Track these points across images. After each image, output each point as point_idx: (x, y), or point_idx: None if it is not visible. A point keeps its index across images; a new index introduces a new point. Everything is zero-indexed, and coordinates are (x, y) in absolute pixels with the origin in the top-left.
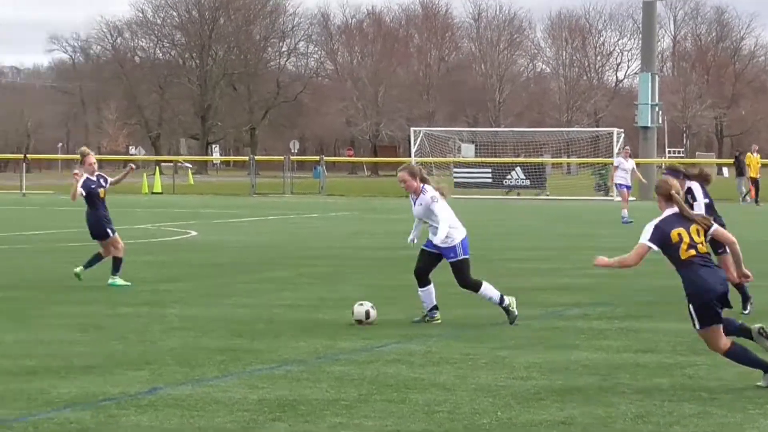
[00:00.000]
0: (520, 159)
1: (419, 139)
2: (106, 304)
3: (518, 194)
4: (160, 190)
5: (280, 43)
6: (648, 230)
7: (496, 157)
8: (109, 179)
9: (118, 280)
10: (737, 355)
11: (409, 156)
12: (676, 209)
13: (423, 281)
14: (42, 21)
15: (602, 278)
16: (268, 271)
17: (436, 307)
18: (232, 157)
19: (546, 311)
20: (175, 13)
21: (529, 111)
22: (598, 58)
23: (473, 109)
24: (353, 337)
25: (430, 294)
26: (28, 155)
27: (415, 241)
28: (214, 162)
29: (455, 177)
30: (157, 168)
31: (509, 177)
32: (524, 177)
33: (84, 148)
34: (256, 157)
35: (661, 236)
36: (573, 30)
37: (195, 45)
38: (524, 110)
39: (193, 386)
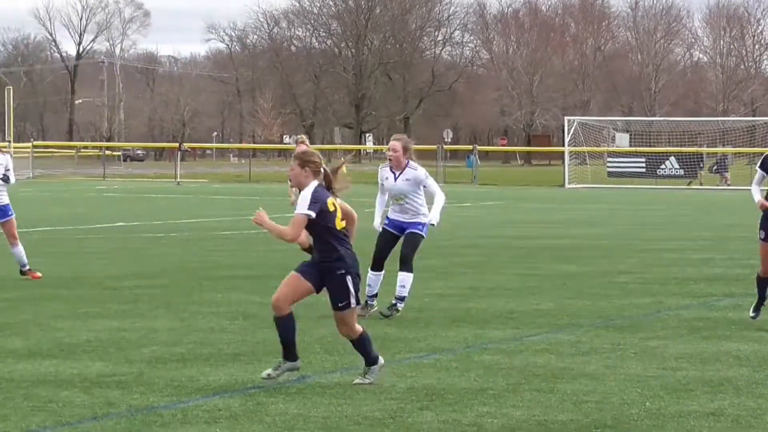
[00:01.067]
0: (675, 149)
1: (573, 129)
2: (255, 293)
3: (701, 184)
4: None
5: (436, 33)
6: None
7: (650, 146)
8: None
9: None
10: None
11: (563, 145)
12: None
13: (381, 265)
14: (199, 10)
15: (756, 268)
16: (418, 260)
17: (376, 295)
18: (385, 146)
19: (697, 301)
20: (331, 3)
21: (685, 100)
22: (757, 47)
23: (628, 99)
24: (502, 326)
25: (379, 279)
26: (183, 144)
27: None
28: (368, 151)
29: (609, 167)
30: None
31: (663, 167)
32: (678, 167)
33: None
34: None
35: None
36: (731, 19)
37: (351, 34)
38: (680, 99)
39: (341, 374)
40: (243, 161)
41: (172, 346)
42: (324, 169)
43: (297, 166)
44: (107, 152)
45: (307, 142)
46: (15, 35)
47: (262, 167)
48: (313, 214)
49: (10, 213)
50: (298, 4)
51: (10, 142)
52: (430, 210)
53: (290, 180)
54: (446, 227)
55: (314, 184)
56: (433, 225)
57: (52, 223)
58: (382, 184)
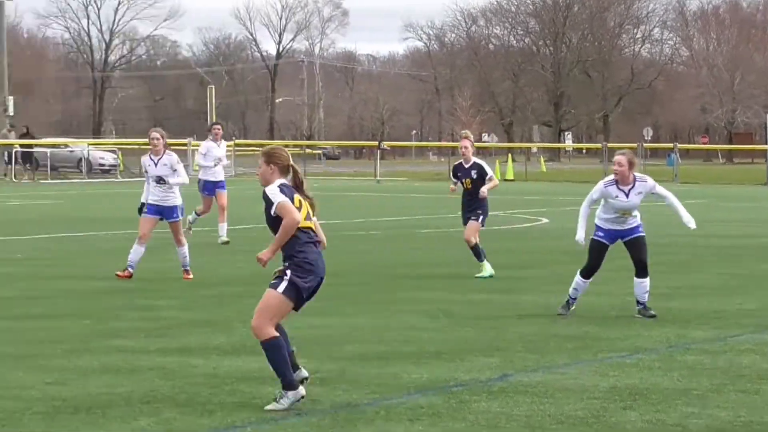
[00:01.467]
0: None
1: None
2: (455, 290)
3: None
4: (512, 177)
5: (635, 30)
6: None
7: None
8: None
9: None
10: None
11: (766, 143)
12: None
13: (592, 275)
14: (397, 9)
15: None
16: (621, 259)
17: (576, 299)
18: (584, 144)
19: None
20: (529, 1)
21: None
22: None
23: None
24: (705, 326)
25: (586, 286)
26: (382, 142)
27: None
28: (567, 149)
29: None
30: (510, 155)
31: None
32: None
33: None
34: (608, 144)
35: None
36: None
37: (549, 32)
38: None
39: (543, 373)
40: (442, 159)
41: (375, 343)
42: (293, 167)
43: (263, 163)
44: (307, 150)
45: (471, 138)
46: (216, 35)
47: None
48: (289, 201)
49: (175, 215)
50: (495, 3)
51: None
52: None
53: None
54: (648, 226)
55: (279, 181)
56: (694, 228)
57: (253, 220)
58: (608, 201)
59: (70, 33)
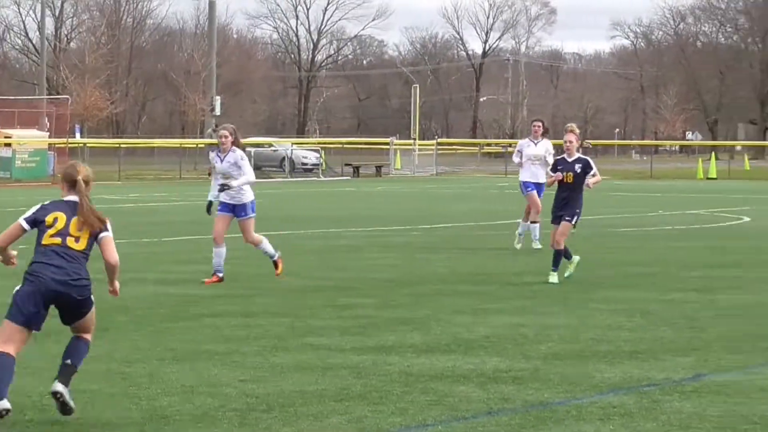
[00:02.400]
0: None
1: None
2: (654, 290)
3: None
4: (715, 176)
5: None
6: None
7: None
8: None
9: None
10: None
11: None
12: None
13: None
14: (605, 7)
15: None
16: None
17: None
18: None
19: None
20: None
21: None
22: None
23: None
24: None
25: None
26: (586, 140)
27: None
28: None
29: None
30: (713, 153)
31: None
32: None
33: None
34: None
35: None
36: None
37: (758, 29)
38: None
39: (737, 374)
40: (645, 158)
41: (569, 342)
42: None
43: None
44: (509, 149)
45: (577, 131)
46: (423, 34)
47: (663, 163)
48: (26, 225)
49: (244, 213)
50: (705, 0)
51: (415, 139)
52: None
53: None
54: None
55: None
56: None
57: (454, 219)
58: None
59: (278, 33)
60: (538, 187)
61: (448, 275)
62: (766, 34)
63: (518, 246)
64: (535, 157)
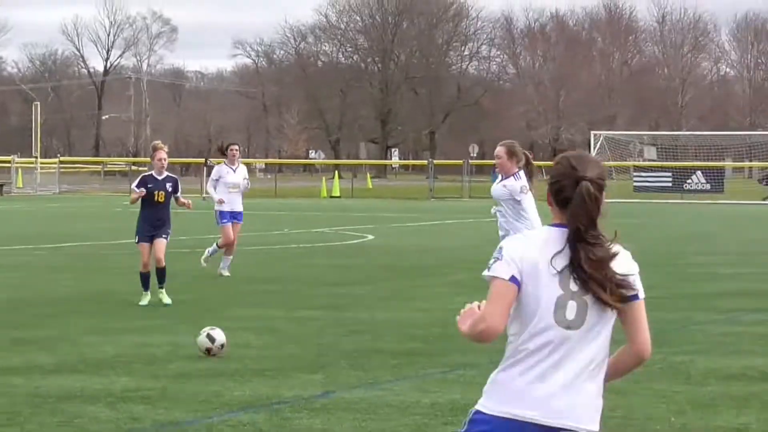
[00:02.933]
0: (702, 163)
1: (599, 143)
2: (282, 308)
3: None
4: (338, 194)
5: (463, 47)
6: None
7: (676, 161)
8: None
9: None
10: None
11: None
12: None
13: None
14: (226, 26)
15: None
16: (445, 275)
17: None
18: (411, 161)
19: (724, 316)
20: (358, 18)
21: (712, 114)
22: None
23: (655, 113)
24: None
25: None
26: (210, 159)
27: None
28: (393, 166)
29: (635, 181)
30: (336, 172)
31: (690, 181)
32: (705, 181)
33: (157, 143)
34: (435, 161)
35: None
36: (759, 32)
37: (377, 49)
38: (707, 114)
39: (366, 390)
40: (269, 176)
41: (198, 361)
42: None
43: None
44: (133, 167)
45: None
46: (43, 51)
47: (288, 182)
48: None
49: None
50: (325, 20)
51: (36, 157)
52: None
53: None
54: (471, 242)
55: None
56: None
57: (78, 238)
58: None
59: None
60: (235, 216)
61: (74, 294)
62: (384, 54)
63: (204, 264)
64: (233, 186)
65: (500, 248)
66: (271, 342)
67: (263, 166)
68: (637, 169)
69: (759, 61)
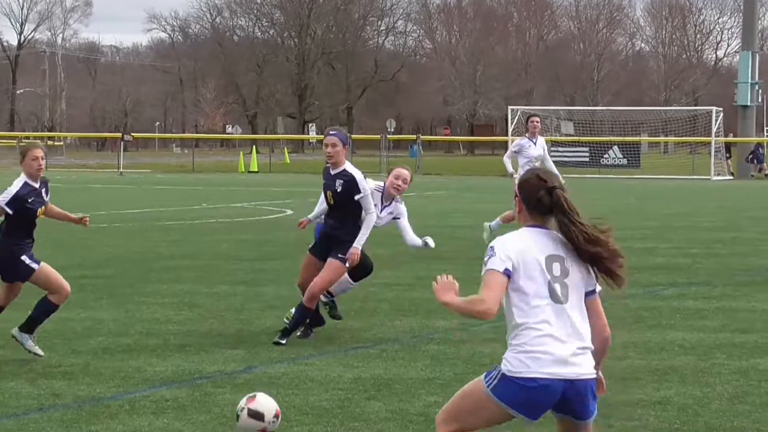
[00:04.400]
0: (618, 138)
1: (516, 118)
2: (201, 283)
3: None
4: (256, 169)
5: (379, 22)
6: None
7: (593, 136)
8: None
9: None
10: None
11: (506, 135)
12: None
13: None
14: (141, 0)
15: (699, 258)
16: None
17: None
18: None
19: (643, 291)
20: None
21: (627, 90)
22: (698, 36)
23: (571, 88)
24: (449, 316)
25: None
26: (128, 134)
27: None
28: (311, 141)
29: (552, 156)
30: (254, 147)
31: (606, 156)
32: (621, 156)
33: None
34: (352, 136)
35: None
36: (673, 8)
37: (294, 24)
38: (622, 89)
39: (288, 365)
40: (186, 151)
41: (118, 336)
42: None
43: None
44: (49, 142)
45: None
46: None
47: (204, 157)
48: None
49: None
50: None
51: None
52: None
53: None
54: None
55: None
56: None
57: None
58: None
59: None
60: None
61: None
62: (301, 29)
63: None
64: (536, 159)
65: (492, 247)
66: (191, 317)
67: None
68: (555, 143)
69: (673, 36)
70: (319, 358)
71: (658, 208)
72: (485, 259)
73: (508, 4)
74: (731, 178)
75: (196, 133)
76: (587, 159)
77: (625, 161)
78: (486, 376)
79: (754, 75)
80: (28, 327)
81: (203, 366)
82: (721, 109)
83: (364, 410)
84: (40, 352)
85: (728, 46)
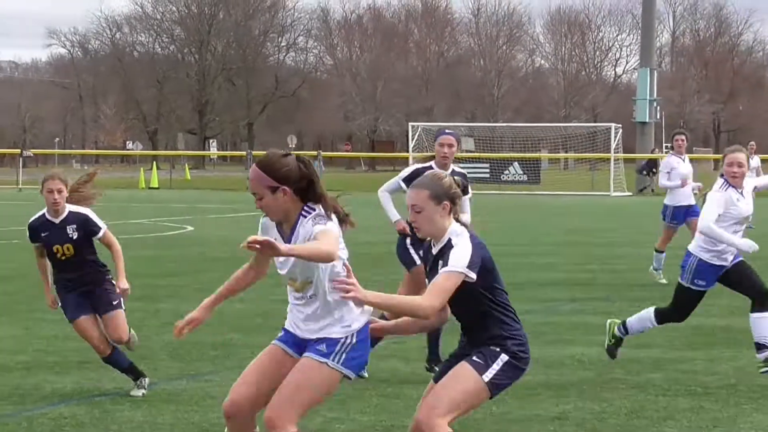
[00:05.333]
0: (518, 154)
1: (417, 135)
2: None
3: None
4: (156, 185)
5: (279, 38)
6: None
7: (493, 152)
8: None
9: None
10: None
11: (407, 151)
12: None
13: None
14: (40, 15)
15: (598, 273)
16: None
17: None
18: (229, 152)
19: (541, 306)
20: (174, 8)
21: (527, 106)
22: (597, 53)
23: (471, 105)
24: None
25: None
26: (26, 149)
27: None
28: (211, 157)
29: None
30: (154, 163)
31: (506, 172)
32: (521, 172)
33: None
34: (253, 152)
35: None
36: (572, 25)
37: (194, 40)
38: (522, 105)
39: (187, 381)
40: (86, 167)
41: (16, 354)
42: None
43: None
44: None
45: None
46: None
47: (105, 173)
48: None
49: None
50: (140, 10)
51: None
52: None
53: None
54: None
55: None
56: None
57: None
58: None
59: None
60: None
61: None
62: (201, 45)
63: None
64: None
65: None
66: None
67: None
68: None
69: (573, 53)
70: (217, 375)
71: (558, 223)
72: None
73: (409, 21)
74: (630, 194)
75: (96, 149)
76: (488, 175)
77: (525, 177)
78: None
79: (653, 92)
80: None
81: (102, 383)
82: (620, 125)
83: (263, 427)
84: None
85: (627, 63)
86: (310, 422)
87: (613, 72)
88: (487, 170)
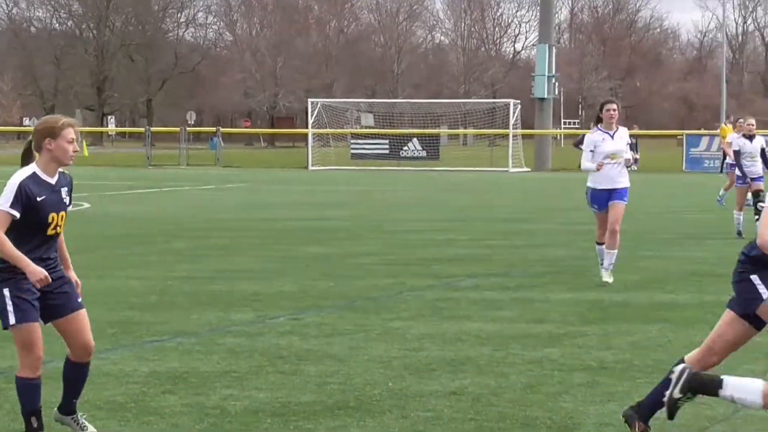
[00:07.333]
0: (418, 131)
1: (317, 111)
2: None
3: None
4: None
5: (179, 14)
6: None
7: (393, 128)
8: None
9: None
10: None
11: (307, 127)
12: None
13: None
14: None
15: (497, 249)
16: (163, 243)
17: None
18: (128, 129)
19: (440, 282)
20: None
21: (428, 82)
22: (497, 29)
23: (372, 81)
24: (246, 309)
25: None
26: None
27: None
28: (110, 133)
29: (352, 149)
30: None
31: (405, 148)
32: (421, 148)
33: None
34: (152, 129)
35: None
36: (472, 1)
37: (92, 15)
38: (422, 81)
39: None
40: None
41: None
42: None
43: None
44: None
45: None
46: None
47: (1, 150)
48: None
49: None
50: None
51: None
52: None
53: None
54: (189, 210)
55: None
56: None
57: None
58: None
59: None
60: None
61: None
62: (100, 21)
63: (609, 280)
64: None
65: None
66: None
67: None
68: (355, 136)
69: (473, 29)
70: (114, 353)
71: (456, 200)
72: None
73: None
74: (528, 170)
75: None
76: (387, 151)
77: (424, 153)
78: None
79: (551, 68)
80: None
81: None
82: (519, 101)
83: (159, 404)
84: None
85: (526, 39)
86: (207, 400)
87: (513, 48)
88: (387, 146)
